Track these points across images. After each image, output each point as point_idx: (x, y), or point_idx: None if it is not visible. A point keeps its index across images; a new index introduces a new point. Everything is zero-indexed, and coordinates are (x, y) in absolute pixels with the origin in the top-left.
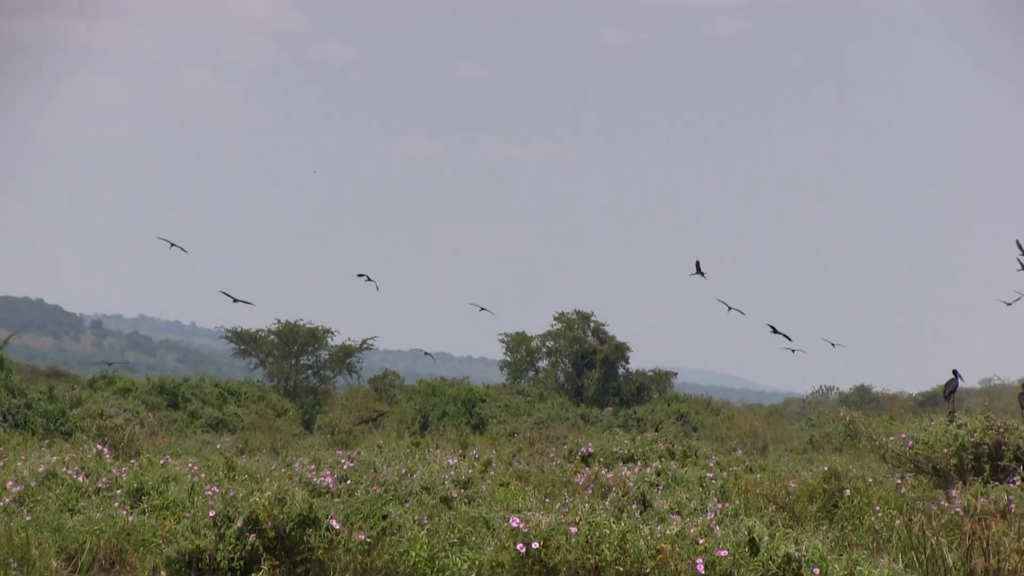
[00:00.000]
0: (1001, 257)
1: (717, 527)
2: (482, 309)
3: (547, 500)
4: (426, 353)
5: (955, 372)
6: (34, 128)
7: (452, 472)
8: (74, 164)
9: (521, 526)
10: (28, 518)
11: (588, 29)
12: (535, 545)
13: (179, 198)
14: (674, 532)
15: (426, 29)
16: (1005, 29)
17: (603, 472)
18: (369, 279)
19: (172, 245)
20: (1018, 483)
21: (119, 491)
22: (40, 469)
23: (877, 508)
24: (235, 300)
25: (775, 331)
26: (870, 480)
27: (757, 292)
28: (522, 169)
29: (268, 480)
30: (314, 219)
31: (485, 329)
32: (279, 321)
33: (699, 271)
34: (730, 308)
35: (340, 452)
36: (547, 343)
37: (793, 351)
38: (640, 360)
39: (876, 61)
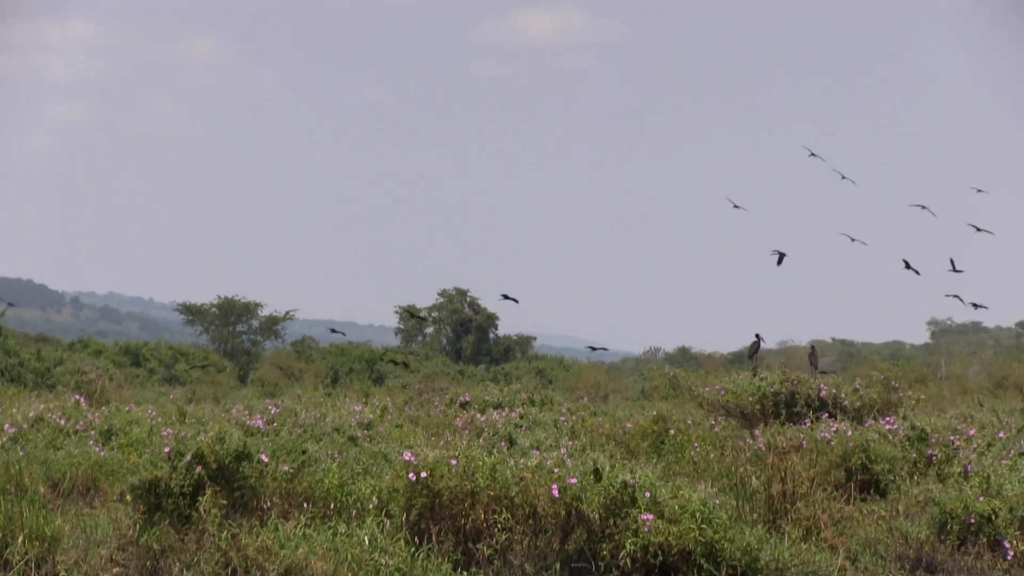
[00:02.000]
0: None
1: (568, 460)
2: (505, 297)
3: (433, 439)
4: (332, 330)
5: (757, 335)
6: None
7: (357, 416)
8: (63, 172)
9: (412, 459)
10: (21, 453)
11: (464, 63)
12: (423, 474)
13: (144, 198)
14: (534, 464)
15: (338, 60)
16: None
17: (477, 416)
18: (512, 298)
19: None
20: (808, 424)
21: (93, 432)
22: (30, 415)
23: (696, 444)
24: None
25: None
26: (690, 422)
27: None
28: (415, 174)
29: (211, 423)
30: (250, 213)
31: (384, 302)
32: (219, 296)
33: (779, 259)
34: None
35: (268, 401)
36: (432, 314)
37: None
38: (507, 326)
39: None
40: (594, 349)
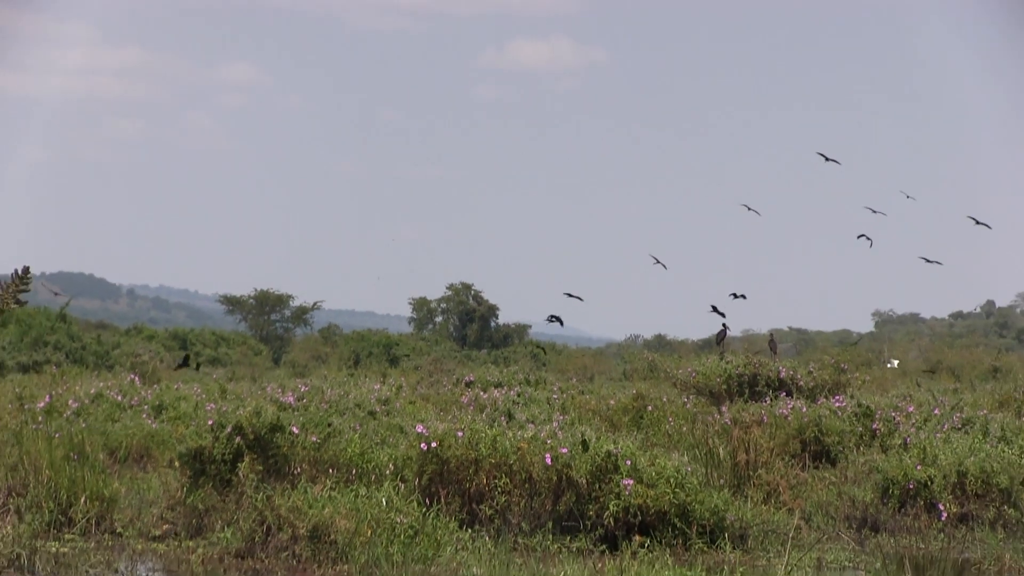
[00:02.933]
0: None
1: (559, 432)
2: (569, 296)
3: (441, 414)
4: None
5: (724, 325)
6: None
7: (376, 394)
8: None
9: (424, 431)
10: (83, 425)
11: (467, 86)
12: (434, 444)
13: (190, 202)
14: (529, 435)
15: (356, 84)
16: None
17: (480, 394)
18: (576, 296)
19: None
20: (768, 402)
21: (145, 407)
22: (91, 392)
23: (670, 419)
24: None
25: (717, 312)
26: (665, 400)
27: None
28: (426, 182)
29: (249, 399)
30: (282, 215)
31: (400, 294)
32: (256, 289)
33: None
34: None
35: (298, 380)
36: (441, 305)
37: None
38: (508, 316)
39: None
40: (551, 320)
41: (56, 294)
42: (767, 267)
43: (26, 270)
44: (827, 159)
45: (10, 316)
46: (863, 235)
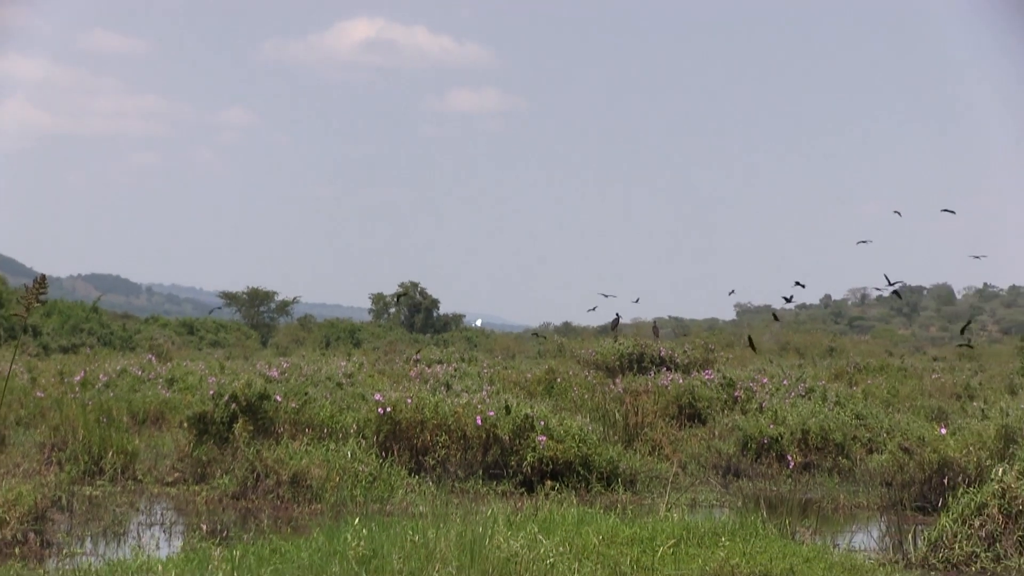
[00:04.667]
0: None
1: (488, 399)
2: (606, 296)
3: (394, 384)
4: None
5: (617, 314)
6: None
7: (343, 369)
8: (137, 199)
9: (380, 398)
10: (111, 395)
11: (415, 126)
12: (388, 409)
13: (196, 217)
14: (464, 402)
15: (327, 126)
16: None
17: (425, 369)
18: (610, 295)
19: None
20: (652, 375)
21: (160, 380)
22: (117, 368)
23: (575, 388)
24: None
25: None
26: (571, 373)
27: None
28: (385, 203)
29: (242, 374)
30: (270, 227)
31: (361, 290)
32: (248, 287)
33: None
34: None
35: (281, 359)
36: (393, 299)
37: None
38: (446, 307)
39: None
40: (402, 294)
41: (99, 298)
42: (653, 267)
43: (42, 278)
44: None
45: (47, 309)
46: (895, 290)
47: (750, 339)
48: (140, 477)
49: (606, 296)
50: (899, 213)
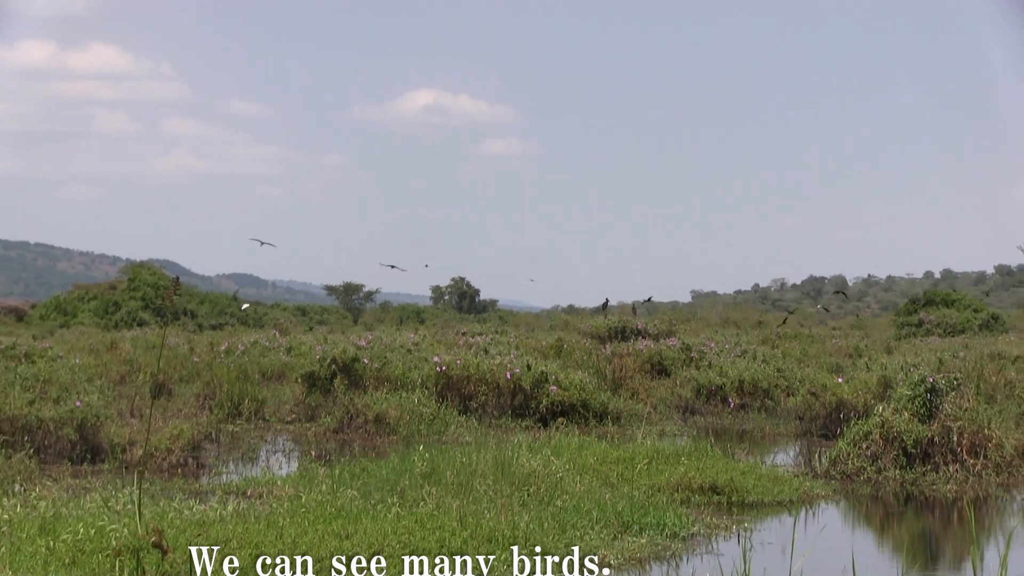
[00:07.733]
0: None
1: (515, 360)
2: (392, 267)
3: (448, 350)
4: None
5: (607, 299)
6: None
7: (411, 340)
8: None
9: (438, 360)
10: (246, 359)
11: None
12: (444, 368)
13: (311, 224)
14: (497, 362)
15: (393, 159)
16: None
17: (470, 339)
18: (263, 242)
19: (262, 243)
20: (632, 342)
21: (282, 348)
22: (251, 341)
23: (577, 352)
24: (262, 243)
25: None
26: (574, 341)
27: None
28: (440, 223)
29: (340, 344)
30: (362, 239)
31: (424, 283)
32: (344, 282)
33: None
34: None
35: (368, 333)
36: (447, 289)
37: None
38: (485, 295)
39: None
40: (392, 267)
41: (237, 290)
42: (634, 262)
43: (176, 280)
44: (262, 243)
45: (201, 298)
46: (840, 291)
47: (787, 315)
48: (267, 418)
49: (648, 300)
50: (844, 293)
